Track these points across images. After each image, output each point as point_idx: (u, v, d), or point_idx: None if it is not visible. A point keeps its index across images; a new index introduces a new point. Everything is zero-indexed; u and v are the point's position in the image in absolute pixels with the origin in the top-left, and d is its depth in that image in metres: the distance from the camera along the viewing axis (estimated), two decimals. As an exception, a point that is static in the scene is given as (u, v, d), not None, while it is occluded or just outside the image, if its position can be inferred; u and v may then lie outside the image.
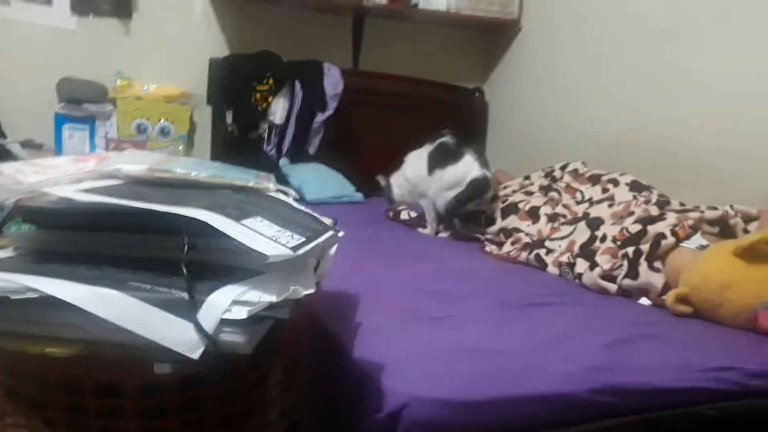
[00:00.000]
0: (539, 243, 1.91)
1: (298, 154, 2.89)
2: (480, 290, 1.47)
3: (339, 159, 2.87)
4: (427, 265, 1.74)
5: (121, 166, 0.89)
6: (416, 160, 2.29)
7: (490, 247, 2.03)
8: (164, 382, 0.78)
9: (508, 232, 2.06)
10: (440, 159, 2.19)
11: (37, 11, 2.61)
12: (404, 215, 2.39)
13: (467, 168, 2.12)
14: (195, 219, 0.75)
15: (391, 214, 2.44)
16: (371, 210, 2.60)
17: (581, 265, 1.67)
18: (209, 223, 0.74)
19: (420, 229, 2.26)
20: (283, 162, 2.82)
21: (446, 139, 2.24)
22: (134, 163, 0.93)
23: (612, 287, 1.56)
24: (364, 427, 0.94)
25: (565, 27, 2.75)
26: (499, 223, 2.12)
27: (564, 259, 1.75)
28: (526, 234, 1.99)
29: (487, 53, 3.35)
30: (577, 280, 1.67)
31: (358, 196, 2.77)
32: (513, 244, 1.99)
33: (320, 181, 2.72)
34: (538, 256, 1.84)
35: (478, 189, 2.11)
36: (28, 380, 0.81)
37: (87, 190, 0.82)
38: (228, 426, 0.88)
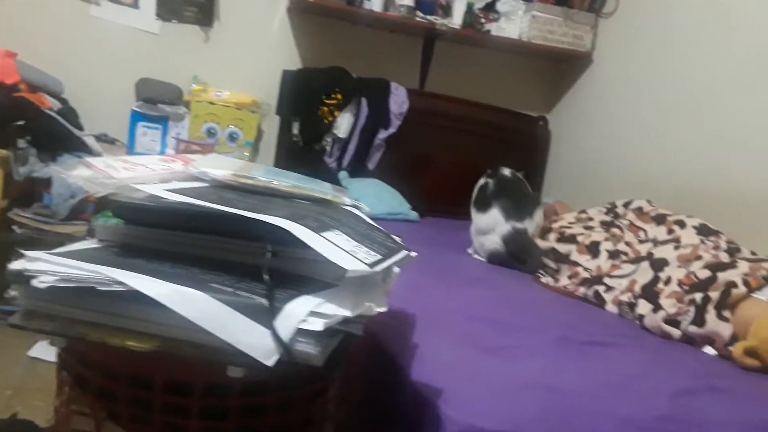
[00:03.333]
0: (598, 279, 1.86)
1: (358, 169, 2.92)
2: (537, 322, 1.44)
3: (397, 177, 2.88)
4: (481, 291, 1.72)
5: (207, 170, 0.92)
6: (476, 188, 2.31)
7: (546, 279, 1.99)
8: (230, 384, 0.79)
9: (564, 261, 2.02)
10: (478, 200, 2.23)
11: (124, 13, 2.74)
12: None
13: (492, 222, 2.12)
14: (277, 227, 0.76)
15: None
16: (425, 230, 2.59)
17: (643, 307, 1.62)
18: (293, 232, 0.75)
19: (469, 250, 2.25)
20: (343, 175, 2.85)
21: (489, 180, 2.24)
22: (218, 167, 0.96)
23: (676, 333, 1.50)
24: (419, 452, 0.93)
25: (639, 62, 2.70)
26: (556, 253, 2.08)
27: (624, 298, 1.70)
28: (585, 269, 1.95)
29: (554, 83, 3.32)
30: (637, 321, 1.62)
31: (414, 214, 2.77)
32: (570, 278, 1.94)
33: (377, 196, 2.73)
34: (596, 292, 1.79)
35: (513, 245, 2.09)
36: (99, 370, 0.84)
37: (175, 191, 0.84)
38: (285, 435, 0.88)
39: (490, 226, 2.14)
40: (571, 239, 2.09)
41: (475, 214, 2.21)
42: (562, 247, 2.05)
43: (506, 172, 2.29)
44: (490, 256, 2.15)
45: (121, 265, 0.76)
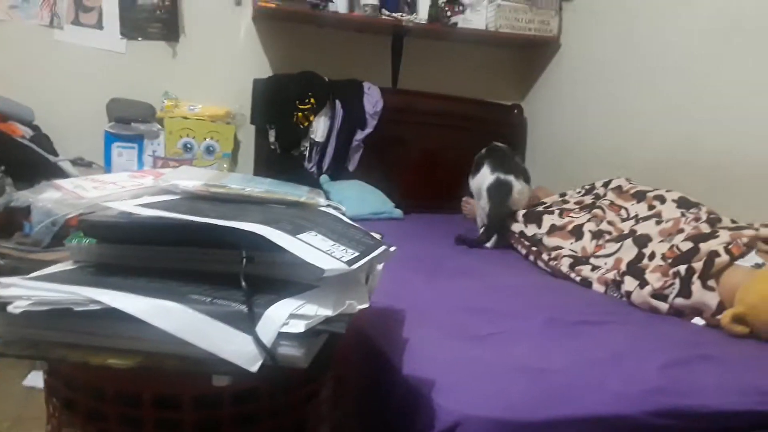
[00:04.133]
0: (584, 260, 1.87)
1: (338, 172, 2.91)
2: (525, 308, 1.45)
3: (378, 176, 2.88)
4: (469, 282, 1.72)
5: (177, 182, 0.91)
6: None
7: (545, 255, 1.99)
8: (219, 395, 0.79)
9: (536, 245, 2.04)
10: (472, 169, 2.36)
11: (88, 35, 2.72)
12: None
13: (482, 179, 2.25)
14: (252, 233, 0.76)
15: None
16: (410, 226, 2.60)
17: (630, 284, 1.63)
18: (266, 236, 0.75)
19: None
20: (324, 179, 2.84)
21: (483, 151, 2.37)
22: (189, 178, 0.95)
23: (663, 306, 1.51)
24: (415, 445, 0.93)
25: (606, 43, 2.72)
26: (541, 237, 2.09)
27: (610, 276, 1.71)
28: (570, 250, 1.95)
29: (525, 70, 3.34)
30: (624, 299, 1.63)
31: (398, 212, 2.77)
32: (551, 260, 1.95)
33: (360, 197, 2.73)
34: (582, 273, 1.80)
35: (496, 195, 2.19)
36: (86, 392, 0.83)
37: (146, 205, 0.83)
38: (280, 441, 0.88)
39: (479, 184, 2.24)
40: (537, 217, 2.11)
41: (470, 183, 2.35)
42: (530, 228, 2.10)
43: (497, 143, 2.43)
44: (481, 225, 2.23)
45: (96, 284, 0.76)
